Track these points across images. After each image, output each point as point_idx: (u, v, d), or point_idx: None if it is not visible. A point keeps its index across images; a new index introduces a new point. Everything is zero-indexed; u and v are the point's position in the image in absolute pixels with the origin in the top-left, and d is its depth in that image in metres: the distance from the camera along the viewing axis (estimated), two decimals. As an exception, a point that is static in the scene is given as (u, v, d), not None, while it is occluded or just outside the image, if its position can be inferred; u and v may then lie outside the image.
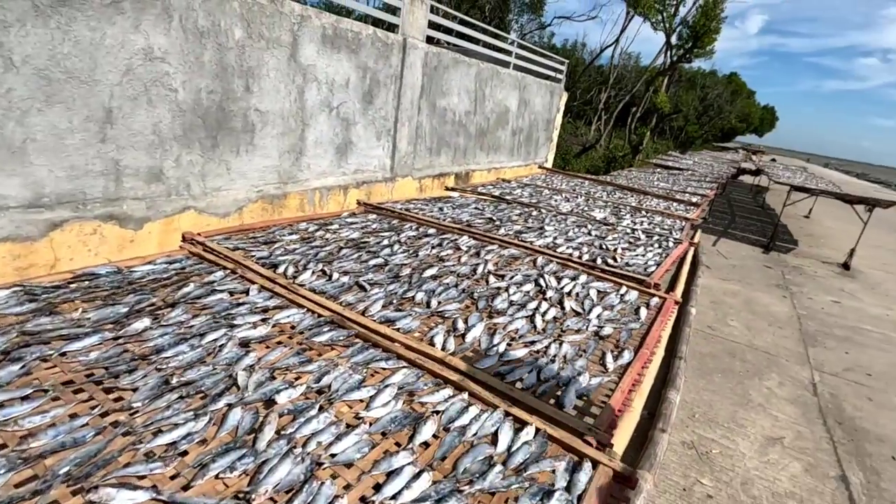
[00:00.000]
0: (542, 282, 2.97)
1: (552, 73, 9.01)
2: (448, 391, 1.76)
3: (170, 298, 2.19)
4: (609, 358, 2.14)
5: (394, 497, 1.27)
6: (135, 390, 1.57)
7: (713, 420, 4.01)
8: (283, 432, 1.45)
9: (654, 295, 2.97)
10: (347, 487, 1.31)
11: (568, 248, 3.74)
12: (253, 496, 1.20)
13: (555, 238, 3.99)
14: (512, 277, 3.00)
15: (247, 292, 2.35)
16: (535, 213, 4.93)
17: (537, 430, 1.61)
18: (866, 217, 9.15)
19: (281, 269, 2.67)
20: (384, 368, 1.87)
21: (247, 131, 3.52)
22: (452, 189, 5.92)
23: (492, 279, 2.95)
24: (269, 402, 1.59)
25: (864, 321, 6.57)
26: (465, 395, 1.75)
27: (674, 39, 19.47)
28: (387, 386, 1.72)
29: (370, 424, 1.54)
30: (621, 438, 2.05)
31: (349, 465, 1.38)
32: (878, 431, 4.10)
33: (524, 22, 23.46)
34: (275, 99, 3.66)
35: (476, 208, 4.82)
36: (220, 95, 3.27)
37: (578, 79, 23.75)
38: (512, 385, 1.86)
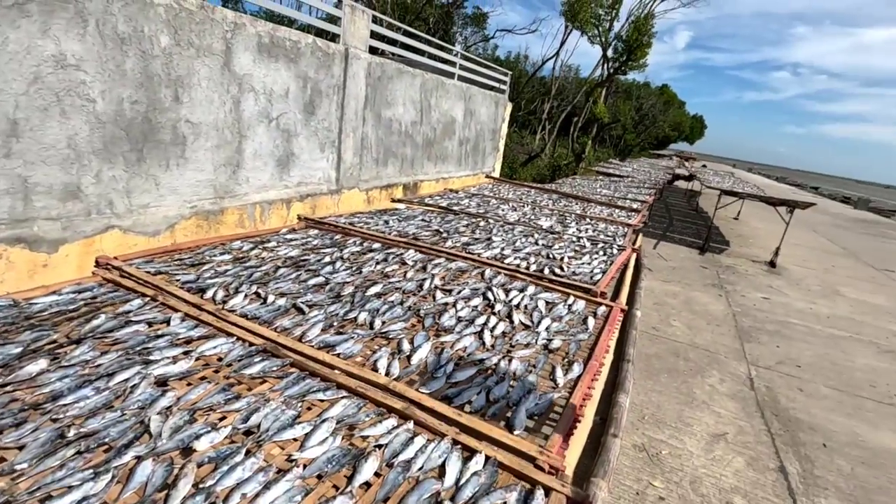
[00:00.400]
0: (490, 295, 2.91)
1: (496, 84, 9.15)
2: (392, 421, 1.64)
3: (75, 334, 1.94)
4: (559, 372, 2.09)
5: (329, 552, 1.14)
6: (21, 448, 1.34)
7: (662, 421, 4.09)
8: (201, 485, 1.28)
9: (600, 304, 2.98)
10: (276, 545, 1.16)
11: (515, 258, 3.72)
12: (159, 570, 1.03)
13: (502, 249, 3.96)
14: (459, 292, 2.92)
15: (168, 322, 2.13)
16: (482, 223, 4.90)
17: (487, 458, 1.52)
18: (788, 218, 9.86)
19: (209, 294, 2.45)
20: (322, 400, 1.72)
21: (177, 144, 3.31)
22: (399, 201, 5.81)
23: (439, 294, 2.85)
24: (188, 450, 1.41)
25: (791, 315, 7.02)
26: (411, 425, 1.63)
27: (610, 53, 20.43)
28: (324, 420, 1.57)
29: (304, 467, 1.39)
30: (575, 448, 2.01)
31: (279, 518, 1.23)
32: (809, 421, 4.33)
33: (468, 34, 23.88)
34: (208, 109, 3.47)
35: (423, 220, 4.73)
36: (146, 106, 3.06)
37: (522, 90, 24.38)
38: (461, 409, 1.77)
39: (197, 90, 3.36)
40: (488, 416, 1.76)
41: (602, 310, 2.89)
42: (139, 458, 1.34)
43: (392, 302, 2.64)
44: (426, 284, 2.96)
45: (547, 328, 2.55)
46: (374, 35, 5.13)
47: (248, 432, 1.52)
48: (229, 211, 3.82)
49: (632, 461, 3.51)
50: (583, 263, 3.80)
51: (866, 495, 3.41)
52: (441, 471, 1.46)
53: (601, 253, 4.23)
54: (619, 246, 4.52)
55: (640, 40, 18.63)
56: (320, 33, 4.80)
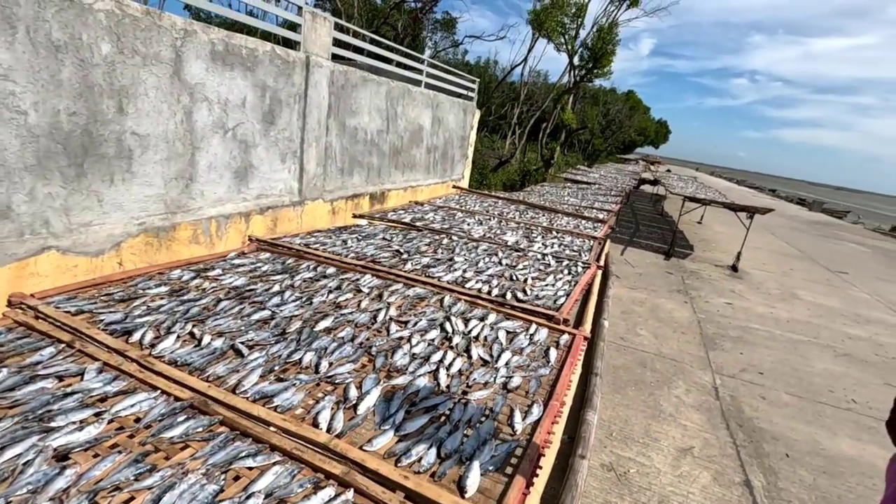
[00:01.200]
0: (448, 326, 2.75)
1: (464, 92, 9.09)
2: (329, 491, 1.47)
3: (-33, 396, 1.69)
4: (517, 416, 1.95)
5: None
6: None
7: (629, 437, 4.05)
8: None
9: (563, 332, 2.87)
10: None
11: (477, 281, 3.58)
12: None
13: (464, 271, 3.81)
14: (416, 323, 2.75)
15: (82, 375, 1.89)
16: (445, 240, 4.75)
17: (433, 532, 1.37)
18: (748, 223, 10.13)
19: (136, 337, 2.21)
20: (251, 468, 1.53)
21: (122, 157, 3.11)
22: (361, 216, 5.61)
23: (393, 327, 2.68)
24: (81, 548, 1.21)
25: (753, 320, 7.17)
26: (350, 495, 1.46)
27: (576, 60, 20.72)
28: (250, 496, 1.39)
29: (220, 562, 1.21)
30: (541, 474, 1.88)
31: None
32: (772, 430, 4.37)
33: (438, 40, 23.85)
34: (156, 121, 3.28)
35: (384, 238, 4.54)
36: (86, 118, 2.86)
37: (492, 94, 24.48)
38: (409, 469, 1.61)
39: (144, 100, 3.17)
40: (439, 475, 1.60)
41: (565, 338, 2.78)
42: (15, 567, 1.13)
43: (342, 339, 2.45)
44: (381, 316, 2.78)
45: (507, 363, 2.41)
46: (337, 43, 4.99)
47: (158, 518, 1.32)
48: (182, 226, 3.63)
49: (600, 482, 3.44)
50: (546, 285, 3.69)
51: (828, 506, 3.43)
52: (380, 553, 1.30)
53: (566, 272, 4.14)
54: (583, 263, 4.45)
55: (605, 48, 18.96)
56: (287, 43, 4.65)
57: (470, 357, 2.45)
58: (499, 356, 2.47)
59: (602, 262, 4.87)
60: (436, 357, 2.38)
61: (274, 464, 1.54)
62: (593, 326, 5.54)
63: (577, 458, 3.17)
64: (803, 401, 5.01)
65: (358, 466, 1.57)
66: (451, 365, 2.32)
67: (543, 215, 7.09)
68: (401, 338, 2.56)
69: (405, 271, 3.59)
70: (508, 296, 3.32)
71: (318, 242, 4.14)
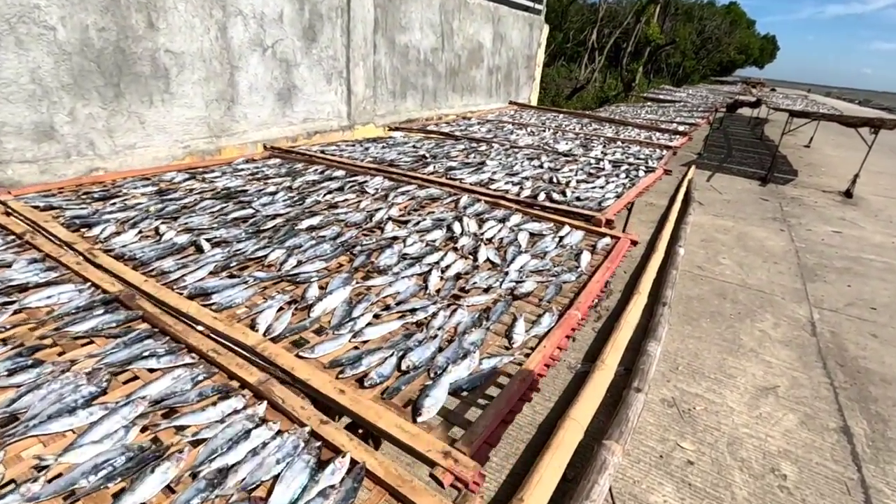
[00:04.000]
0: (457, 227, 2.26)
1: (530, 4, 7.99)
2: (236, 402, 1.10)
3: None
4: (519, 327, 1.46)
5: None
6: None
7: (698, 371, 3.46)
8: None
9: (603, 234, 2.26)
10: None
11: (507, 183, 2.99)
12: None
13: (493, 174, 3.23)
14: (417, 223, 2.28)
15: (10, 265, 1.66)
16: (483, 147, 4.14)
17: (354, 463, 0.96)
18: (871, 139, 8.35)
19: (94, 231, 1.97)
20: (152, 370, 1.21)
21: (159, 77, 2.99)
22: (396, 129, 5.14)
23: (389, 227, 2.24)
24: None
25: (867, 250, 5.97)
26: (262, 408, 1.09)
27: (664, -41, 17.83)
28: (126, 403, 1.06)
29: (51, 480, 0.89)
30: (589, 403, 1.45)
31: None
32: (883, 372, 3.57)
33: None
34: (190, 37, 3.10)
35: (412, 147, 4.04)
36: (116, 34, 2.73)
37: (569, 17, 22.12)
38: (352, 382, 1.21)
39: (174, 14, 2.98)
40: (390, 391, 1.18)
41: (604, 242, 2.18)
42: None
43: (323, 237, 2.06)
44: (378, 215, 2.35)
45: (520, 268, 1.90)
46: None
47: (8, 421, 1.03)
48: (227, 150, 3.51)
49: (658, 418, 2.92)
50: (594, 188, 3.02)
51: (958, 467, 2.69)
52: (273, 484, 0.92)
53: (622, 175, 3.40)
54: (647, 167, 3.67)
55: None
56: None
57: (475, 260, 1.96)
58: (512, 260, 1.95)
59: (689, 179, 4.05)
60: (432, 258, 1.92)
61: (180, 366, 1.21)
62: (666, 254, 4.78)
63: (632, 391, 2.70)
64: (930, 342, 4.03)
65: (285, 374, 1.19)
66: (448, 267, 1.85)
67: (610, 127, 6.14)
68: (395, 237, 2.12)
69: (423, 173, 3.08)
70: (541, 197, 2.71)
71: (337, 150, 3.74)
